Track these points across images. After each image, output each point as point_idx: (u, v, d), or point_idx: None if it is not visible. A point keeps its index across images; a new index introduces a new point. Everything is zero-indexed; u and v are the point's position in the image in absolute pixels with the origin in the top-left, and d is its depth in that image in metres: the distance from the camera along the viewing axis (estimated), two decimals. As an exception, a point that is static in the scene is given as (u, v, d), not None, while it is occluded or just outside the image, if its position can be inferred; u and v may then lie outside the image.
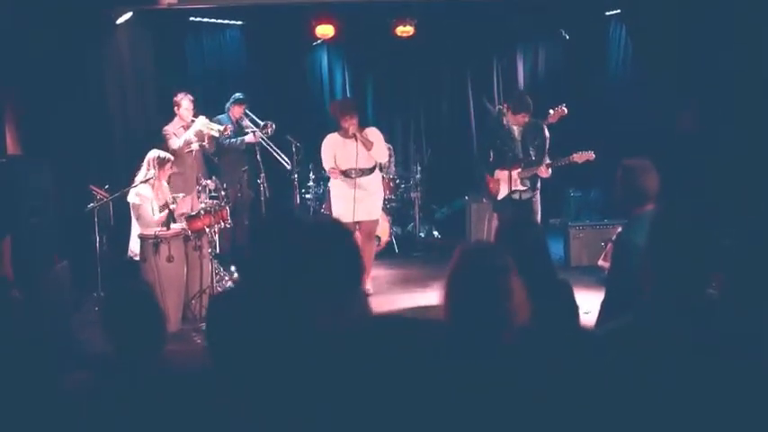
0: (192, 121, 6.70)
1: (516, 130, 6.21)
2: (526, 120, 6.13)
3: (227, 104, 7.40)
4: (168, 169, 5.96)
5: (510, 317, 1.96)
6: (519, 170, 6.19)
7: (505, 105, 6.43)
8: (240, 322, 2.35)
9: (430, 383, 1.64)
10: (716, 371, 1.82)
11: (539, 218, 6.32)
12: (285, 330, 2.23)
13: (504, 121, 6.27)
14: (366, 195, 6.27)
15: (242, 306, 2.41)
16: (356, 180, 6.21)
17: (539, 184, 6.28)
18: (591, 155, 5.98)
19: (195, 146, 6.62)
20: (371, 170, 6.32)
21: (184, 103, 6.80)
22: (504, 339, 1.94)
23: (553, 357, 1.90)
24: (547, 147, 6.21)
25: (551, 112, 6.42)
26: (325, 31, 8.48)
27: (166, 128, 6.71)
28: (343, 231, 2.44)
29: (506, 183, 6.20)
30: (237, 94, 7.42)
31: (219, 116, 7.25)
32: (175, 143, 6.57)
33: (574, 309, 2.89)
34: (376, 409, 1.57)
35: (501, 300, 1.97)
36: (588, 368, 1.87)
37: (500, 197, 6.29)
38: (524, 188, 6.23)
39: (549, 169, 6.08)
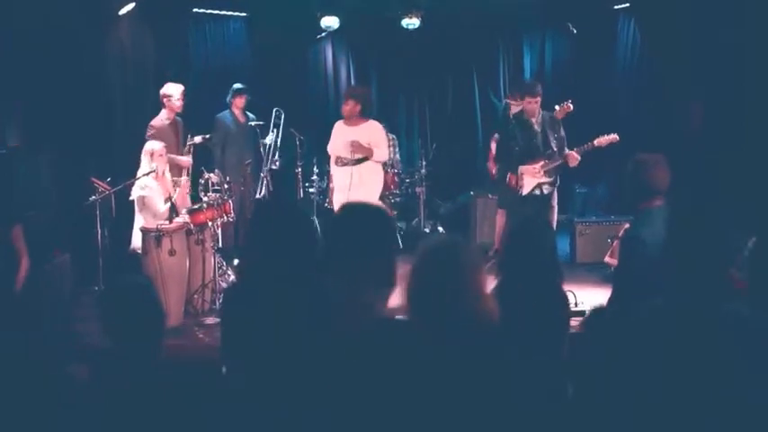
0: (178, 119, 6.53)
1: (536, 123, 6.17)
2: (532, 104, 6.10)
3: (228, 98, 7.18)
4: (165, 160, 5.86)
5: (474, 313, 1.92)
6: (542, 163, 6.16)
7: (509, 98, 6.38)
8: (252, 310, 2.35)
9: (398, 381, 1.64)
10: (731, 363, 1.79)
11: (555, 212, 6.33)
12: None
13: (510, 115, 6.21)
14: (360, 185, 6.19)
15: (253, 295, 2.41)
16: (351, 169, 6.18)
17: (558, 181, 6.28)
18: (615, 137, 5.96)
19: (197, 139, 6.55)
20: (361, 160, 6.22)
21: (171, 91, 6.44)
22: (469, 335, 1.89)
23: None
24: (565, 140, 6.23)
25: (557, 108, 6.37)
26: (329, 22, 8.43)
27: (152, 123, 6.41)
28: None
29: (532, 176, 6.18)
30: (237, 85, 7.19)
31: (222, 113, 7.13)
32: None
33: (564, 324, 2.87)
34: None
35: (463, 296, 1.93)
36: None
37: (525, 192, 6.23)
38: (548, 180, 6.20)
39: (579, 155, 6.04)
